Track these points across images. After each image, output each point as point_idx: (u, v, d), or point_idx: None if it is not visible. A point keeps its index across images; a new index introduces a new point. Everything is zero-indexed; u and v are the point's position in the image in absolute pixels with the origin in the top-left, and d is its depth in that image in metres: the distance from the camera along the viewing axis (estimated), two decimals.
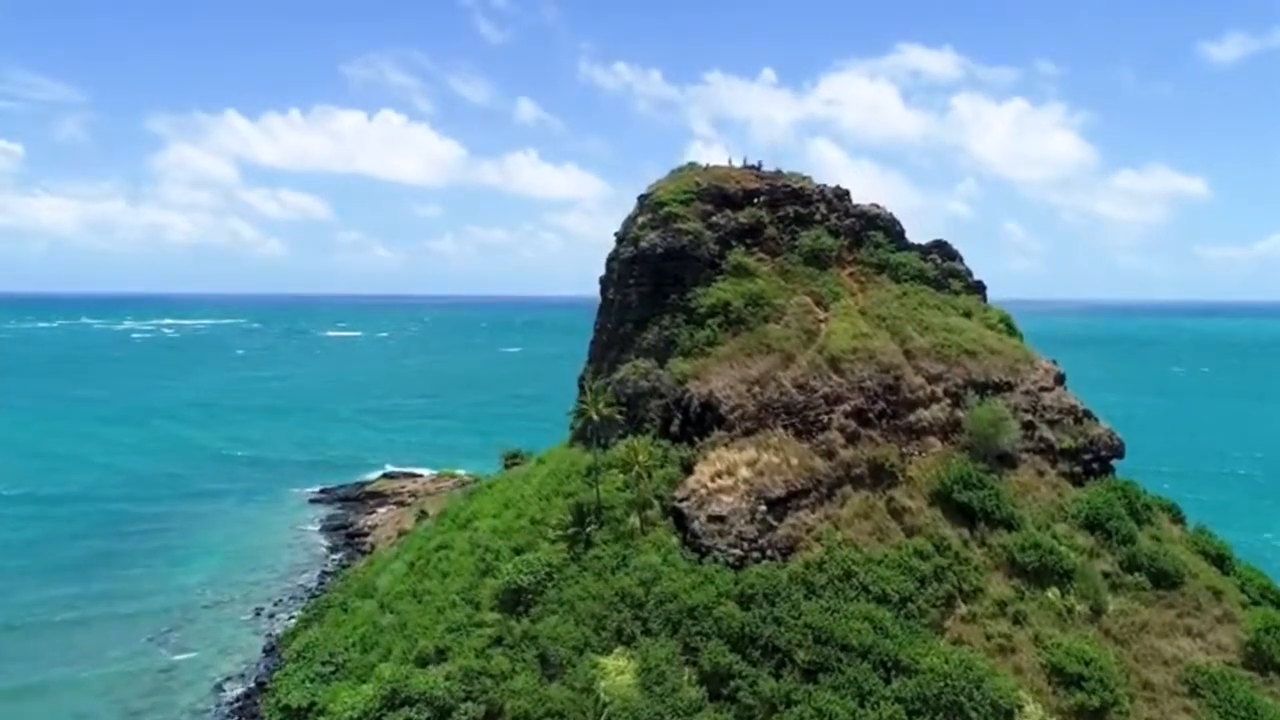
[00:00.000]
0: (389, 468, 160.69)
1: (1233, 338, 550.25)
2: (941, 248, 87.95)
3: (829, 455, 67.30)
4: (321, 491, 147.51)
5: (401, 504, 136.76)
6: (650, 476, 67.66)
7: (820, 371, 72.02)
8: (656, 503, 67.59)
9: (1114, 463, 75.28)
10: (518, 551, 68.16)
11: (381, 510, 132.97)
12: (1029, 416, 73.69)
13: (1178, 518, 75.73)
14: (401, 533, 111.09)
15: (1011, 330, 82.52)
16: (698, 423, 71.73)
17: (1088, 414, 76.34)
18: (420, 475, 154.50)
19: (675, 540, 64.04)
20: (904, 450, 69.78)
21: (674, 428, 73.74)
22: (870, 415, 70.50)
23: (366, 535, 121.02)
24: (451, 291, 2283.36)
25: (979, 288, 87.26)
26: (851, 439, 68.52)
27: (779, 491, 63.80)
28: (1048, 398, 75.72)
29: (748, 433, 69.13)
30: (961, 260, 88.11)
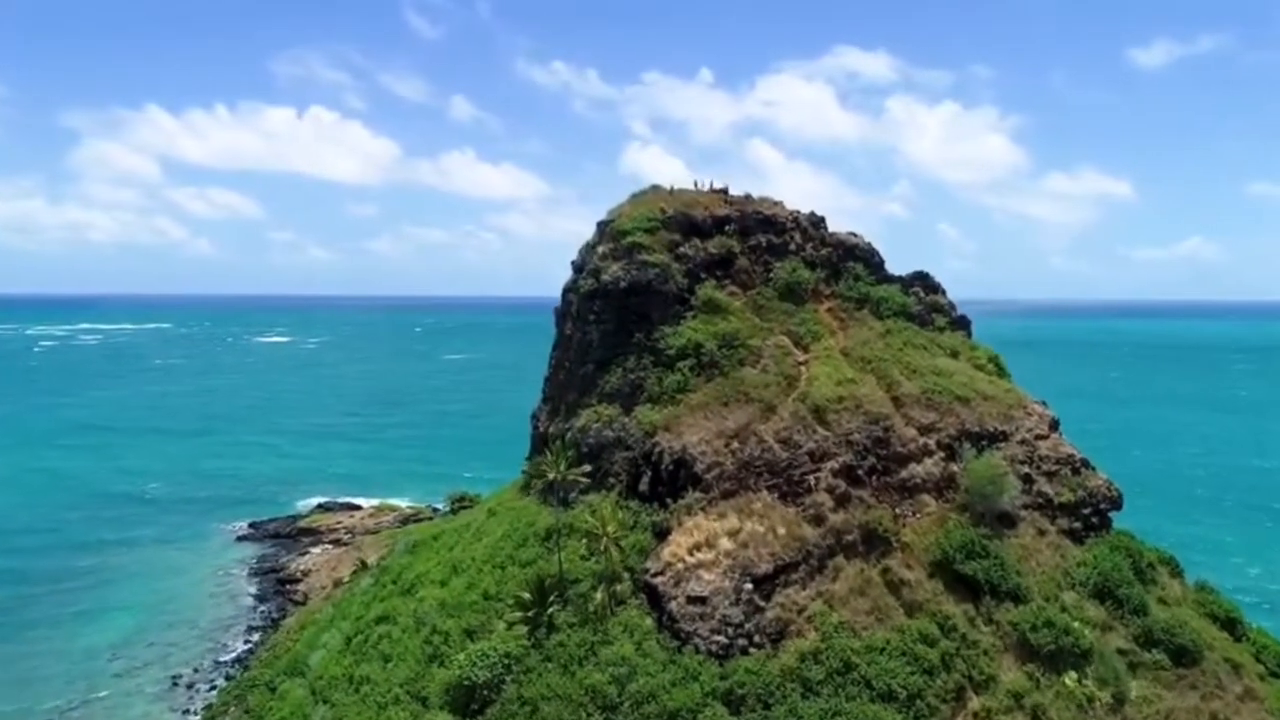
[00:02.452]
0: (323, 499, 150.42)
1: (1165, 340, 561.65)
2: (923, 280, 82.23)
3: (818, 521, 60.69)
4: (250, 526, 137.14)
5: (337, 542, 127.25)
6: (620, 547, 60.34)
7: (804, 424, 65.42)
8: (627, 575, 60.30)
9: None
10: (470, 634, 60.31)
11: (315, 550, 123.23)
12: (1025, 468, 68.07)
13: (1176, 571, 71.22)
14: (337, 583, 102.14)
15: (1001, 371, 77.10)
16: (670, 481, 64.62)
17: (1085, 463, 71.07)
18: (358, 507, 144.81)
19: (650, 622, 56.80)
20: (897, 511, 63.56)
21: (643, 486, 66.54)
22: (860, 472, 64.13)
23: (298, 582, 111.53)
24: (391, 292, 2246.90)
25: (963, 323, 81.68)
26: (841, 501, 62.02)
27: (766, 566, 56.95)
28: (1044, 446, 70.25)
29: (727, 494, 62.20)
30: (944, 293, 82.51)
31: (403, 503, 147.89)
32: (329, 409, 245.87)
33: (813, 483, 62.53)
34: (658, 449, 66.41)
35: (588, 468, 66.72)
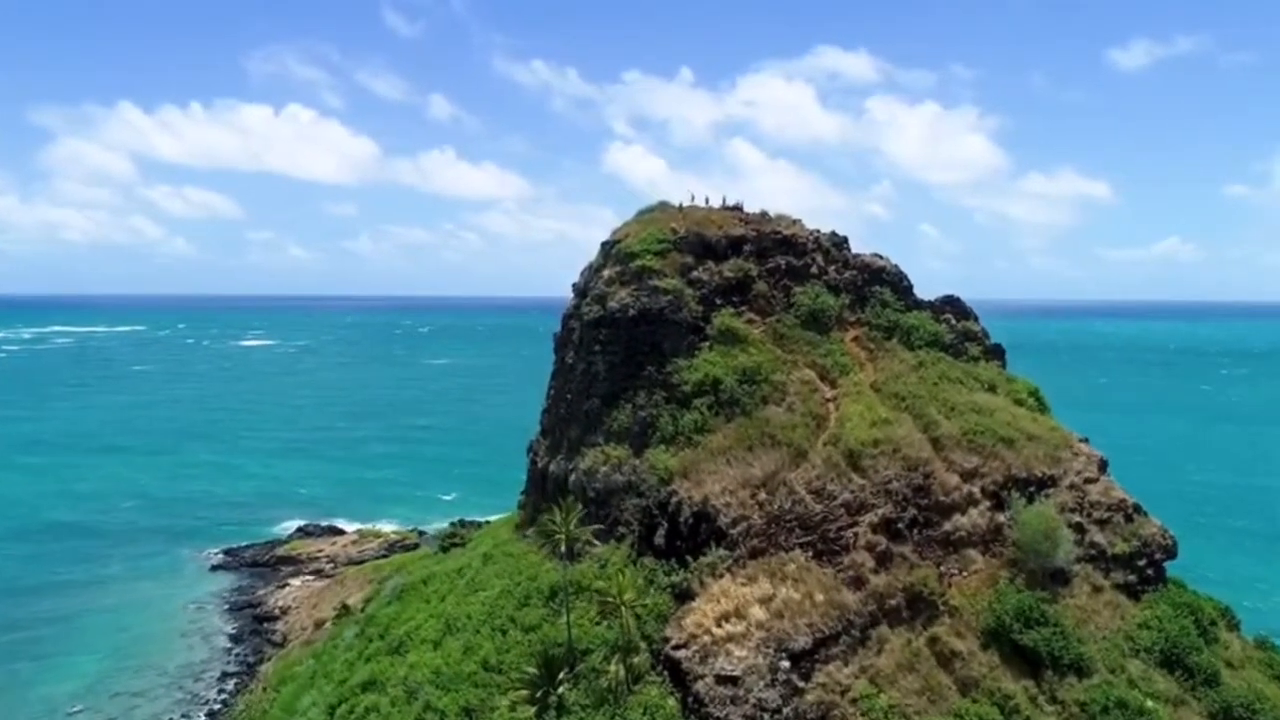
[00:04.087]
0: (302, 522, 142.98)
1: (1149, 343, 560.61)
2: (954, 305, 76.23)
3: (858, 584, 54.47)
4: (226, 554, 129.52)
5: (319, 572, 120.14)
6: (637, 615, 53.93)
7: (837, 471, 59.20)
8: (644, 646, 53.96)
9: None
10: (469, 714, 53.69)
11: (295, 583, 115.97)
12: (1076, 517, 62.11)
13: (1233, 623, 65.68)
14: (318, 624, 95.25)
15: (1042, 405, 71.17)
16: (690, 536, 58.26)
17: (1137, 508, 65.26)
18: (339, 532, 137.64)
19: (673, 703, 50.45)
20: (942, 569, 57.48)
21: (658, 539, 60.14)
22: (900, 526, 57.96)
23: (277, 620, 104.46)
24: (372, 292, 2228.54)
25: (998, 351, 75.75)
26: (882, 560, 55.84)
27: (804, 640, 50.68)
28: (1094, 491, 64.36)
29: (755, 553, 55.88)
30: (977, 319, 76.54)
31: (386, 526, 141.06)
32: (307, 421, 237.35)
33: (850, 539, 56.33)
34: (675, 499, 60.03)
35: (600, 527, 60.21)
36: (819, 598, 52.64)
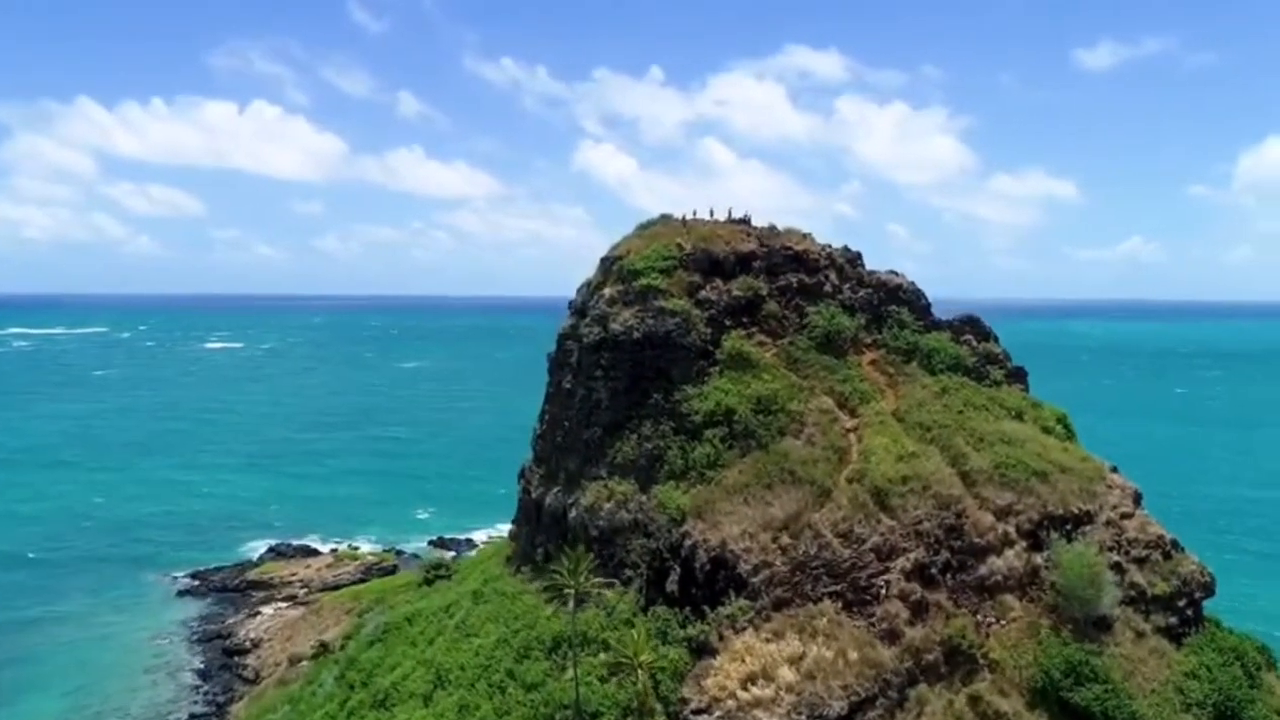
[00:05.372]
0: (274, 541, 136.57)
1: (1122, 344, 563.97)
2: (974, 325, 72.20)
3: (892, 637, 50.13)
4: (193, 577, 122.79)
5: (292, 598, 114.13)
6: (653, 675, 49.18)
7: (865, 511, 54.82)
8: (660, 708, 49.22)
9: None
10: None
11: (267, 611, 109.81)
12: (1114, 556, 58.27)
13: (1270, 661, 62.20)
14: (293, 660, 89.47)
15: (1070, 433, 67.33)
16: (707, 584, 53.61)
17: (1175, 544, 61.62)
18: (314, 552, 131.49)
19: None
20: (979, 618, 53.29)
21: (670, 585, 55.43)
22: (933, 571, 53.72)
23: (248, 653, 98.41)
24: (341, 291, 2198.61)
25: (1020, 374, 71.79)
26: (917, 610, 51.54)
27: (839, 705, 46.24)
28: (1131, 528, 60.56)
29: (779, 604, 51.36)
30: (997, 339, 72.54)
31: (362, 545, 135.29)
32: (276, 432, 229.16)
33: (882, 587, 51.96)
34: (689, 542, 55.37)
35: (613, 581, 55.36)
36: (852, 655, 48.22)
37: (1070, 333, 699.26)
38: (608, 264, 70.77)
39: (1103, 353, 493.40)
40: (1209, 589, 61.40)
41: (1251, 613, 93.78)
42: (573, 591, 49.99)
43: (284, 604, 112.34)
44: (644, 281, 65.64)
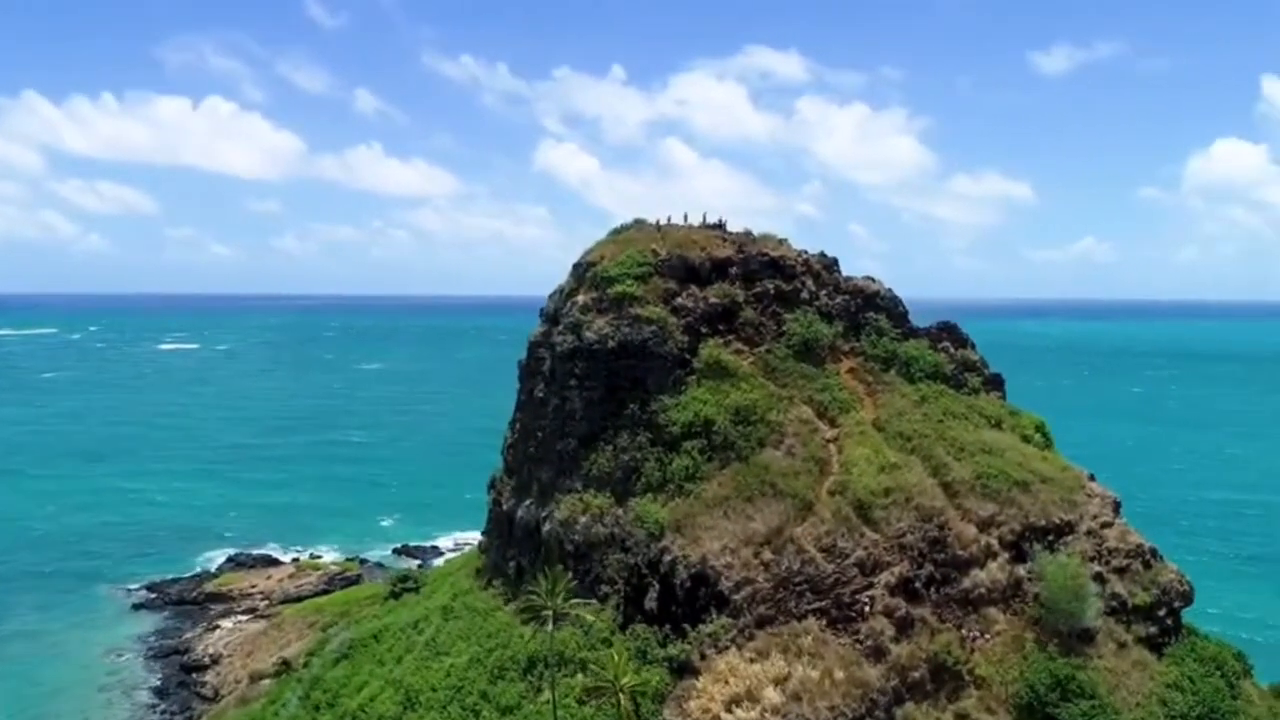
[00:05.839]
0: (232, 550, 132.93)
1: (1079, 343, 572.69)
2: (951, 332, 71.58)
3: (878, 655, 49.10)
4: (149, 590, 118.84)
5: (252, 611, 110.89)
6: (635, 700, 47.64)
7: (848, 525, 53.78)
8: None
9: None
10: None
11: (226, 624, 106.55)
12: (1096, 566, 57.79)
13: (1246, 669, 62.17)
14: (254, 676, 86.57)
15: (1048, 441, 66.91)
16: (688, 601, 52.21)
17: (1154, 553, 61.36)
18: (275, 562, 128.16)
19: None
20: (964, 632, 52.48)
21: (649, 602, 53.96)
22: (917, 585, 52.81)
23: (207, 669, 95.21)
24: (299, 290, 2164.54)
25: (997, 381, 71.33)
26: (902, 626, 50.58)
27: None
28: (1111, 537, 60.19)
29: (762, 622, 50.12)
30: (974, 346, 72.01)
31: (324, 554, 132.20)
32: (234, 437, 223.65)
33: (866, 603, 50.92)
34: (668, 557, 53.94)
35: (592, 601, 53.67)
36: (839, 675, 47.10)
37: (1026, 332, 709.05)
38: (580, 270, 69.09)
39: (1061, 352, 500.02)
40: (1188, 598, 61.25)
41: (1219, 618, 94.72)
42: (551, 613, 48.25)
43: (244, 617, 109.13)
44: (619, 288, 64.08)
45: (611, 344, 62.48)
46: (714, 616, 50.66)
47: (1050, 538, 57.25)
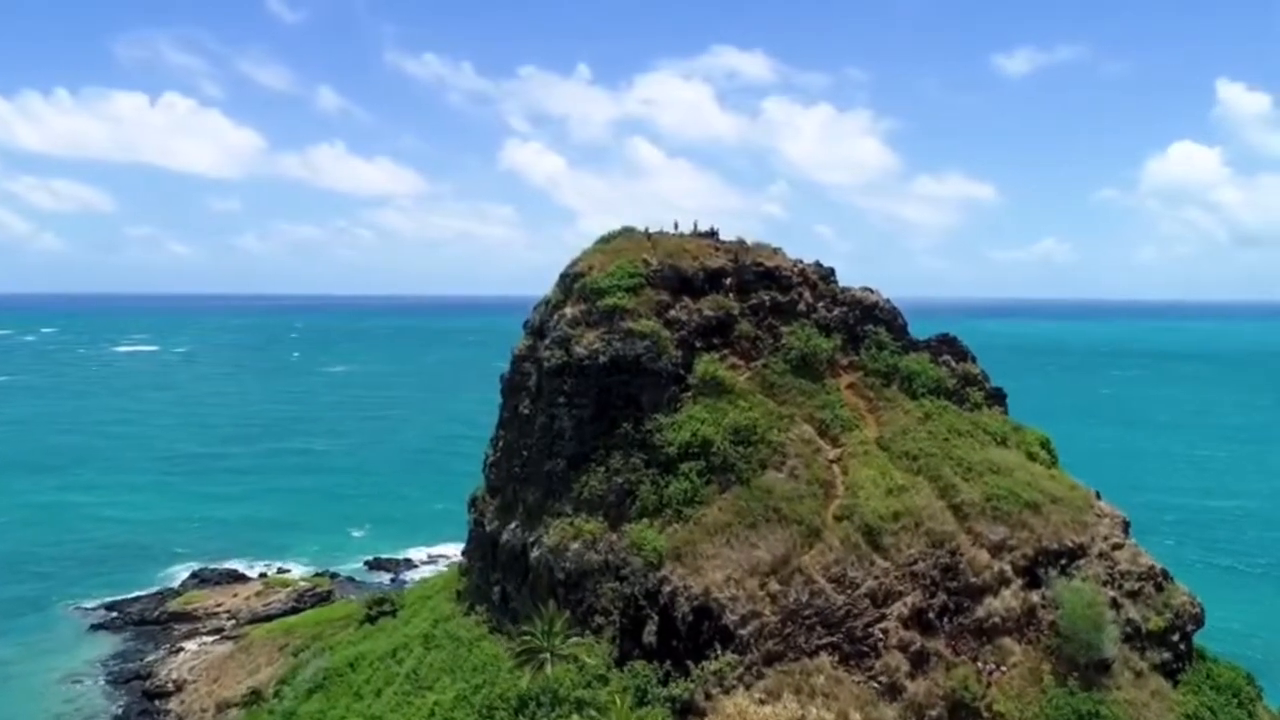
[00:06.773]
0: (196, 565, 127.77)
1: (1042, 344, 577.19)
2: (950, 345, 69.27)
3: (894, 693, 46.49)
4: (108, 609, 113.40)
5: (218, 631, 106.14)
6: None
7: (858, 552, 51.10)
8: None
9: None
10: None
11: (190, 646, 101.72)
12: (1109, 590, 55.75)
13: (1257, 691, 60.63)
14: (221, 705, 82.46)
15: (1054, 458, 64.74)
16: (690, 636, 49.20)
17: (1166, 575, 59.42)
18: (242, 578, 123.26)
19: None
20: (979, 664, 50.01)
21: (648, 636, 50.87)
22: (930, 615, 50.27)
23: (170, 696, 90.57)
24: (262, 290, 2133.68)
25: (999, 395, 69.11)
26: (917, 661, 48.00)
27: None
28: (1122, 559, 58.15)
29: (771, 658, 47.25)
30: (974, 359, 69.74)
31: (292, 568, 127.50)
32: (195, 444, 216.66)
33: (880, 637, 48.25)
34: (668, 588, 50.87)
35: (591, 641, 50.45)
36: (855, 717, 44.35)
37: (989, 331, 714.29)
38: (568, 281, 65.82)
39: (1026, 352, 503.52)
40: (1199, 620, 59.47)
41: (1210, 632, 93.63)
42: (548, 655, 45.00)
43: (210, 638, 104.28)
44: (609, 301, 60.91)
45: (603, 359, 59.32)
46: (718, 653, 47.75)
47: (1063, 561, 55.07)
